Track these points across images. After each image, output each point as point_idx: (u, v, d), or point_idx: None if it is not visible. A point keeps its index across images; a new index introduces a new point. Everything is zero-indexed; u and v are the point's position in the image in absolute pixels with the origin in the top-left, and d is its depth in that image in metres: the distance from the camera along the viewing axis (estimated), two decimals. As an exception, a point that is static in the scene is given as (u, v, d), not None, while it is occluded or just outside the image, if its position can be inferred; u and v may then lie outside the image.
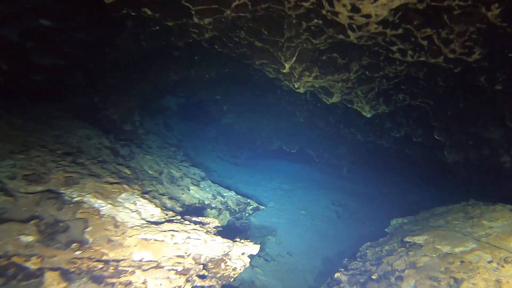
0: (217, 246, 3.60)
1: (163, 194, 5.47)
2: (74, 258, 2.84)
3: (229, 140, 11.35)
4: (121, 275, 2.83)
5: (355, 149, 9.55)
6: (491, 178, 5.65)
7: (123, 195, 4.10)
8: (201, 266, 3.33)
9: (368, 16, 3.93)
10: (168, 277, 2.98)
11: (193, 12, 4.51)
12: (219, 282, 3.51)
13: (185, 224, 3.78)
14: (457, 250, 3.74)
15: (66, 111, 6.64)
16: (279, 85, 7.81)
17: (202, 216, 6.28)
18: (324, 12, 4.24)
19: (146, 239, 3.28)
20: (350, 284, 4.24)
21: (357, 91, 6.27)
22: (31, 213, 3.12)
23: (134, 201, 4.07)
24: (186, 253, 3.32)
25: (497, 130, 5.30)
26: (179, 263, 3.20)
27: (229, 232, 6.60)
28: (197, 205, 6.49)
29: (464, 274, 3.28)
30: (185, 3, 4.38)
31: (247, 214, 7.45)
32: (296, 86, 5.98)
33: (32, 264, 2.69)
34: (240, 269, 3.70)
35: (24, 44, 4.84)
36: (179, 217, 4.14)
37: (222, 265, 3.59)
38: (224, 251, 3.62)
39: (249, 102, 9.08)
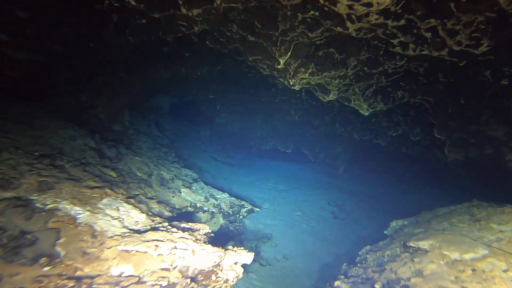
0: (207, 256, 3.22)
1: (151, 198, 5.06)
2: (41, 275, 2.43)
3: (223, 140, 10.96)
4: (96, 294, 2.44)
5: (351, 149, 9.22)
6: (494, 177, 5.34)
7: (104, 201, 3.69)
8: (189, 280, 2.94)
9: (369, 4, 3.57)
10: (150, 295, 2.59)
11: (180, 2, 4.11)
12: (209, 296, 3.13)
13: (172, 232, 3.39)
14: (466, 256, 3.40)
15: (50, 111, 6.19)
16: (274, 83, 7.44)
17: (193, 221, 5.89)
18: (321, 1, 3.88)
19: (126, 251, 2.88)
20: (351, 293, 3.89)
21: (354, 88, 5.92)
22: (-5, 224, 2.71)
23: (117, 207, 3.66)
24: (172, 265, 2.93)
25: (500, 128, 4.99)
26: (164, 277, 2.81)
27: (221, 237, 6.22)
28: (188, 208, 6.09)
29: (478, 284, 2.94)
30: (172, -7, 3.99)
31: (241, 217, 7.07)
32: (291, 83, 5.61)
33: (-10, 284, 2.28)
34: (232, 281, 3.32)
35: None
36: (166, 224, 3.74)
37: (213, 277, 3.20)
38: (215, 262, 3.24)
39: (242, 101, 8.70)
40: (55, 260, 2.60)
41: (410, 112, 7.17)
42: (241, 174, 9.92)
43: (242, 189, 9.05)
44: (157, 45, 6.36)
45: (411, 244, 4.10)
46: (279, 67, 5.27)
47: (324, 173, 10.19)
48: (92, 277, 2.58)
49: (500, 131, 4.98)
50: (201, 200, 6.46)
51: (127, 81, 6.90)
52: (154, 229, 3.41)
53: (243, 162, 10.98)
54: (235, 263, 3.40)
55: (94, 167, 4.83)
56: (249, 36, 5.12)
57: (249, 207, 7.17)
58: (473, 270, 3.15)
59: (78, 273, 2.61)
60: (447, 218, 4.78)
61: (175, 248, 3.05)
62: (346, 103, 6.19)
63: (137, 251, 2.89)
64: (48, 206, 3.11)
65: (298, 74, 5.45)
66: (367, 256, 4.94)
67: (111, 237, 3.04)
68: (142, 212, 3.88)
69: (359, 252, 5.57)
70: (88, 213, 3.25)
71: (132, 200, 4.17)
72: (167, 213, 4.75)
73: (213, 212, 6.30)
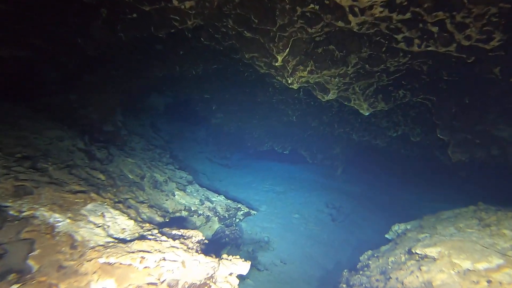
0: (199, 268, 2.89)
1: (142, 202, 4.73)
2: (7, 295, 2.10)
3: (219, 140, 10.63)
4: (71, 316, 2.11)
5: (349, 150, 8.93)
6: (501, 179, 5.06)
7: (89, 206, 3.36)
8: (178, 295, 2.61)
9: (374, -5, 3.28)
10: (133, 315, 2.27)
11: (172, -6, 3.80)
12: (202, 312, 2.81)
13: (161, 241, 3.06)
14: (479, 266, 3.11)
15: (37, 110, 5.84)
16: (271, 82, 7.13)
17: (187, 226, 5.56)
18: (322, -7, 3.58)
19: (109, 263, 2.55)
20: (355, 304, 3.58)
21: (354, 87, 5.63)
22: (-40, 235, 2.37)
23: (102, 213, 3.33)
24: (159, 279, 2.60)
25: (508, 128, 4.72)
26: (150, 293, 2.49)
27: (216, 243, 5.90)
28: (182, 212, 5.76)
29: (496, 298, 2.64)
30: (163, -16, 3.67)
31: (237, 220, 6.75)
32: (289, 82, 5.30)
33: None
34: (227, 294, 3.00)
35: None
36: (156, 231, 3.41)
37: (205, 291, 2.88)
38: (208, 274, 2.92)
39: (239, 101, 8.38)
40: (25, 276, 2.27)
41: (411, 112, 6.89)
42: (238, 176, 9.59)
43: (238, 191, 8.73)
44: (150, 42, 6.03)
45: (418, 251, 3.80)
46: (276, 64, 4.96)
47: (322, 175, 9.90)
48: (68, 296, 2.25)
49: (508, 132, 4.71)
50: (196, 203, 6.14)
51: (120, 80, 6.57)
52: (142, 237, 3.09)
53: (239, 163, 10.65)
54: (230, 274, 3.07)
55: (82, 170, 4.49)
56: (245, 32, 4.81)
57: (246, 210, 6.85)
58: (489, 281, 2.86)
59: (53, 290, 2.28)
60: (453, 222, 4.49)
61: (164, 259, 2.73)
62: (345, 103, 5.89)
63: (121, 264, 2.56)
64: (24, 214, 2.77)
65: (297, 72, 5.15)
66: (370, 262, 4.64)
67: (93, 247, 2.71)
68: (130, 218, 3.55)
69: (360, 258, 5.28)
70: (68, 220, 2.91)
71: (120, 205, 3.84)
72: (159, 218, 4.42)
73: (208, 215, 5.98)
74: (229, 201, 6.70)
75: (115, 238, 2.99)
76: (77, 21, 4.77)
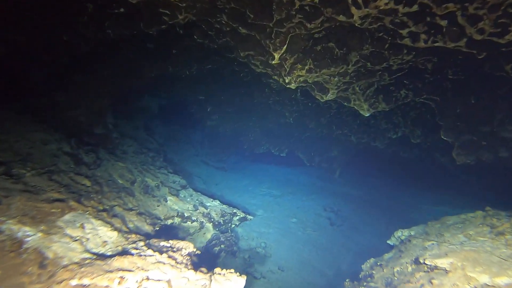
0: (188, 287, 2.51)
1: (130, 209, 4.34)
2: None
3: (215, 143, 10.24)
4: None
5: (347, 152, 8.59)
6: (508, 182, 4.74)
7: (67, 217, 2.96)
8: (163, 321, 2.24)
9: (380, -16, 2.94)
10: None
11: (160, -15, 3.43)
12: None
13: (146, 256, 2.68)
14: (499, 281, 2.76)
15: (21, 112, 5.44)
16: (267, 83, 6.78)
17: (179, 232, 5.17)
18: (323, -17, 3.24)
19: (82, 286, 2.17)
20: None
21: (354, 87, 5.29)
22: None
23: (82, 224, 2.94)
24: (141, 303, 2.22)
25: (516, 129, 4.39)
26: (130, 320, 2.11)
27: (211, 251, 5.51)
28: (175, 218, 5.37)
29: (523, 321, 2.29)
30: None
31: (233, 226, 6.36)
32: (287, 81, 4.95)
33: None
34: (220, 315, 2.62)
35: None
36: (141, 244, 3.03)
37: (195, 313, 2.50)
38: (198, 293, 2.54)
39: (234, 103, 8.01)
40: (-21, 305, 1.88)
41: (411, 113, 6.57)
42: (234, 179, 9.21)
43: (234, 194, 8.35)
44: (141, 41, 5.65)
45: (427, 261, 3.44)
46: (273, 62, 4.61)
47: (320, 177, 9.54)
48: (29, 328, 1.86)
49: (516, 133, 4.38)
50: (190, 208, 5.75)
51: (110, 80, 6.17)
52: (124, 252, 2.70)
53: (235, 166, 10.28)
54: (224, 292, 2.70)
55: (65, 175, 4.09)
56: (240, 28, 4.45)
57: (242, 215, 6.47)
58: (512, 299, 2.50)
59: (12, 321, 1.89)
60: (461, 229, 4.15)
61: (147, 279, 2.35)
62: (345, 103, 5.55)
63: (96, 286, 2.18)
64: (-13, 228, 2.38)
65: (294, 71, 4.80)
66: (373, 272, 4.29)
67: (66, 266, 2.32)
68: (114, 229, 3.16)
69: (362, 266, 4.92)
70: (40, 234, 2.52)
71: (104, 214, 3.45)
72: (147, 227, 4.03)
73: (202, 222, 5.60)
74: (224, 206, 6.32)
75: (94, 254, 2.61)
76: (62, 16, 4.38)
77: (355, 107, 5.57)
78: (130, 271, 2.35)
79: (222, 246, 5.69)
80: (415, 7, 3.36)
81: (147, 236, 3.48)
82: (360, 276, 4.55)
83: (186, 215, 5.52)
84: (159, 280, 2.37)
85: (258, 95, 7.45)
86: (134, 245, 2.94)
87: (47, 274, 2.22)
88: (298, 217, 7.82)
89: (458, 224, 4.50)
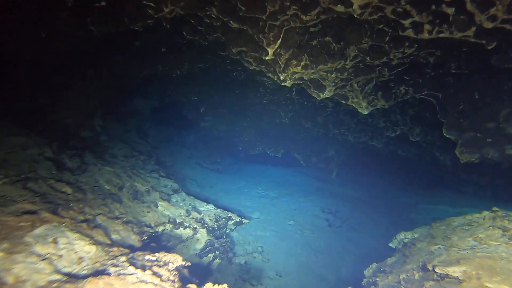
0: (173, 310, 2.15)
1: (116, 218, 3.96)
2: None
3: (209, 145, 9.87)
4: None
5: (344, 152, 8.27)
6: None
7: (37, 231, 2.58)
8: None
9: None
10: None
11: (141, -28, 3.07)
12: None
13: (126, 274, 2.31)
14: (522, 293, 2.43)
15: (2, 116, 5.04)
16: (261, 81, 6.43)
17: (171, 239, 4.80)
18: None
19: (45, 317, 1.79)
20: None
21: (352, 83, 4.96)
22: None
23: (55, 239, 2.56)
24: (116, 334, 1.85)
25: (524, 125, 4.09)
26: None
27: (203, 262, 5.14)
28: (166, 224, 5.00)
29: None
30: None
31: (228, 230, 6.00)
32: (281, 78, 4.60)
33: None
34: None
35: None
36: (123, 258, 2.65)
37: None
38: (185, 317, 2.18)
39: (228, 103, 7.65)
40: None
41: (410, 111, 6.27)
42: (229, 181, 8.84)
43: (229, 197, 7.98)
44: (128, 39, 5.27)
45: (437, 269, 3.11)
46: (267, 58, 4.26)
47: (317, 178, 9.20)
48: None
49: (524, 129, 4.08)
50: (182, 214, 5.38)
51: (96, 80, 5.78)
52: (100, 272, 2.33)
53: (230, 168, 9.90)
54: (215, 314, 2.34)
55: (43, 183, 3.70)
56: (231, 22, 4.10)
57: (237, 219, 6.11)
58: (539, 315, 2.17)
59: None
60: (469, 231, 3.83)
61: (125, 304, 1.98)
62: (343, 101, 5.21)
63: (62, 317, 1.80)
64: None
65: (290, 68, 4.46)
66: (377, 279, 3.95)
67: (28, 292, 1.94)
68: (94, 242, 2.79)
69: (364, 272, 4.58)
70: (1, 254, 2.14)
71: (83, 225, 3.07)
72: (134, 237, 3.65)
73: (196, 228, 5.22)
74: (218, 210, 5.95)
75: (65, 274, 2.23)
76: (39, 11, 4.00)
77: (353, 105, 5.24)
78: (104, 295, 1.99)
79: (216, 252, 5.32)
80: (419, -6, 3.05)
81: (131, 249, 3.11)
82: (362, 283, 4.21)
83: (178, 221, 5.15)
84: (138, 306, 2.01)
85: (252, 95, 7.10)
86: (114, 261, 2.57)
87: (4, 303, 1.85)
88: (296, 219, 7.48)
89: (464, 225, 4.18)
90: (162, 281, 2.41)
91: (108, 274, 2.24)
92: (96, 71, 5.68)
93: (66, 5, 4.01)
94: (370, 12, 3.46)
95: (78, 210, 3.37)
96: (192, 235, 5.17)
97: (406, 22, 3.46)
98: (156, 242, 4.18)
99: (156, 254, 2.90)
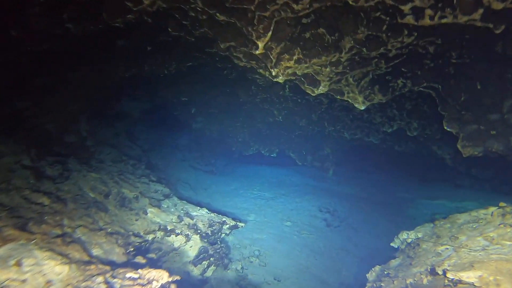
0: None
1: (100, 229, 3.58)
2: None
3: (202, 146, 9.49)
4: None
5: (340, 149, 7.98)
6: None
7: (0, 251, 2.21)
8: None
9: None
10: None
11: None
12: None
13: (100, 300, 1.95)
14: (550, 302, 2.12)
15: (-25, 122, 4.64)
16: (253, 79, 6.09)
17: (162, 247, 4.44)
18: None
19: None
20: None
21: (348, 77, 4.65)
22: None
23: (19, 260, 2.20)
24: None
25: (529, 115, 3.80)
26: None
27: (198, 266, 4.78)
28: (157, 232, 4.63)
29: None
30: None
31: (223, 235, 5.65)
32: (274, 74, 4.27)
33: None
34: None
35: None
36: (100, 279, 2.30)
37: None
38: None
39: (220, 103, 7.30)
40: None
41: (406, 105, 5.98)
42: (223, 183, 8.49)
43: (224, 199, 7.63)
44: (111, 37, 4.90)
45: (449, 275, 2.80)
46: (257, 52, 3.92)
47: (313, 177, 8.88)
48: None
49: (529, 119, 3.80)
50: (173, 220, 5.02)
51: (79, 83, 5.39)
52: (69, 298, 1.97)
53: (225, 169, 9.54)
54: None
55: (16, 194, 3.32)
56: (217, 14, 3.75)
57: (232, 223, 5.76)
58: None
59: None
60: (478, 230, 3.54)
61: None
62: (338, 97, 4.90)
63: None
64: None
65: (282, 62, 4.12)
66: (382, 284, 3.63)
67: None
68: (68, 261, 2.42)
69: (367, 275, 4.27)
70: None
71: (58, 241, 2.70)
72: (118, 250, 3.29)
73: (188, 234, 4.86)
74: (212, 214, 5.60)
75: (27, 304, 1.87)
76: (8, 8, 3.60)
77: (349, 100, 4.93)
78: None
79: (211, 259, 4.97)
80: (421, -25, 2.73)
81: (113, 265, 2.74)
82: (366, 288, 3.90)
83: (169, 228, 4.79)
84: None
85: (244, 94, 6.75)
86: (89, 283, 2.21)
87: None
88: (293, 220, 7.16)
89: (471, 223, 3.89)
90: (144, 304, 2.06)
91: (78, 302, 1.89)
92: (79, 73, 5.29)
93: (37, 0, 3.63)
94: (367, -3, 3.14)
95: (53, 224, 3.00)
96: (185, 242, 4.81)
97: (406, 8, 3.15)
98: (144, 254, 3.82)
99: (140, 270, 2.54)
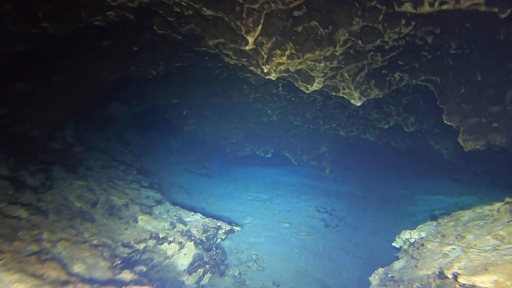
0: None
1: (84, 241, 3.28)
2: None
3: (197, 149, 9.19)
4: None
5: (336, 147, 7.74)
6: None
7: (-41, 277, 1.91)
8: None
9: None
10: None
11: None
12: None
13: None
14: None
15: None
16: (245, 78, 5.82)
17: (154, 257, 4.14)
18: None
19: None
20: None
21: (343, 72, 4.40)
22: None
23: (-18, 286, 1.89)
24: None
25: (533, 106, 3.59)
26: None
27: (189, 282, 4.48)
28: (148, 241, 4.33)
29: None
30: None
31: (219, 240, 5.37)
32: (266, 71, 4.01)
33: None
34: None
35: None
36: (77, 302, 2.00)
37: None
38: None
39: (212, 104, 7.02)
40: None
41: (403, 100, 5.76)
42: (218, 185, 8.20)
43: (220, 202, 7.35)
44: (93, 38, 4.60)
45: (461, 280, 2.55)
46: (248, 48, 3.66)
47: (309, 176, 8.63)
48: None
49: (533, 110, 3.58)
50: (166, 227, 4.72)
51: (62, 86, 5.08)
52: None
53: (220, 171, 9.25)
54: None
55: (-11, 207, 3.00)
56: (204, 8, 3.48)
57: (228, 227, 5.48)
58: None
59: None
60: (485, 228, 3.30)
61: None
62: (333, 93, 4.65)
63: None
64: None
65: (274, 58, 3.87)
66: (387, 289, 3.38)
67: None
68: (41, 282, 2.12)
69: (370, 278, 4.01)
70: None
71: (32, 259, 2.40)
72: (103, 264, 2.99)
73: (181, 242, 4.57)
74: (207, 219, 5.31)
75: None
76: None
77: (345, 96, 4.68)
78: None
79: (207, 266, 4.68)
80: (420, -44, 2.49)
81: (95, 282, 2.45)
82: (370, 293, 3.65)
83: (161, 236, 4.49)
84: None
85: (237, 94, 6.48)
86: (63, 308, 1.92)
87: None
88: (290, 221, 6.89)
89: (477, 220, 3.66)
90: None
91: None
92: (62, 76, 4.97)
93: (9, -2, 3.32)
94: (362, -16, 2.90)
95: (29, 239, 2.70)
96: (178, 250, 4.51)
97: (404, -6, 2.91)
98: (133, 266, 3.52)
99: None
